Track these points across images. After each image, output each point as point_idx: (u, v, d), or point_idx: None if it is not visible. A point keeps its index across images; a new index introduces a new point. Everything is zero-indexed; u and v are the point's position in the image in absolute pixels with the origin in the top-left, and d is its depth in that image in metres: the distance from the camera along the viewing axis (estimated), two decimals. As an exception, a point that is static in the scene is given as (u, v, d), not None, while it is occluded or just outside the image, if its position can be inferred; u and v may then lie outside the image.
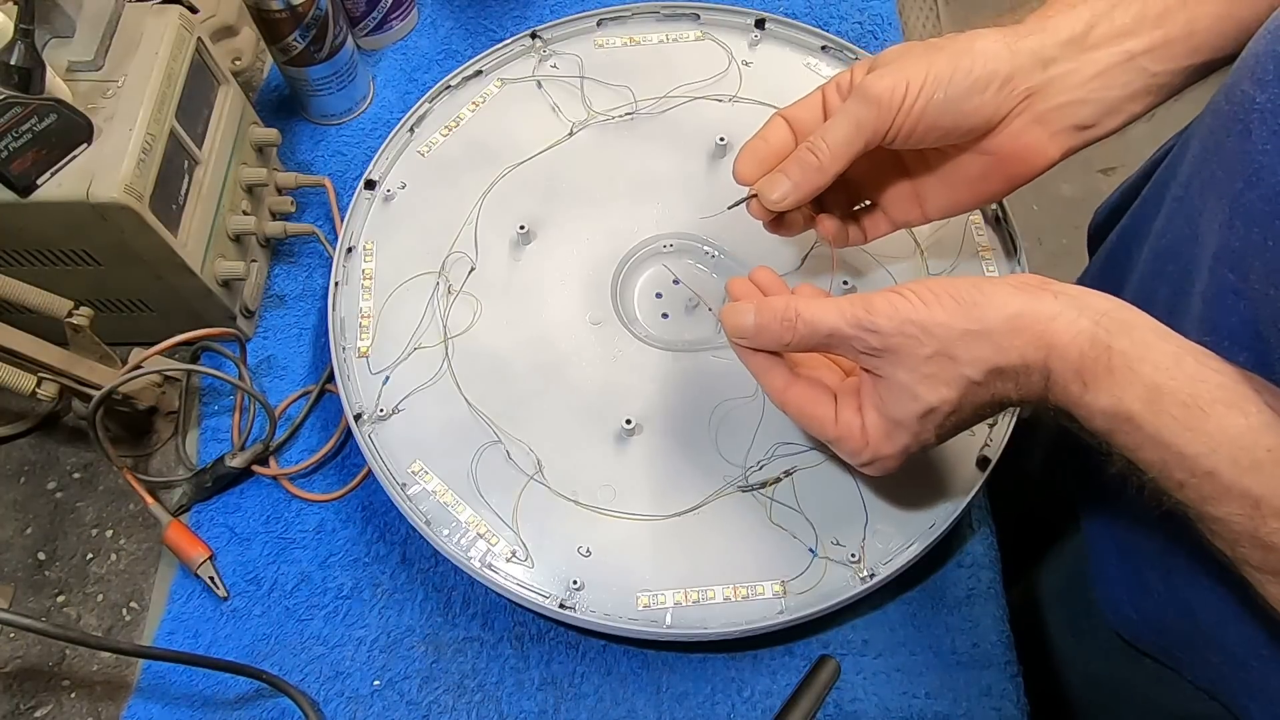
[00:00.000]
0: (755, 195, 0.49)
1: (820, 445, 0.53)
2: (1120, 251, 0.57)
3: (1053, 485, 0.65)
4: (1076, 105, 0.45)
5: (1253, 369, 0.39)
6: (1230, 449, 0.34)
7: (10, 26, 0.46)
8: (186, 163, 0.56)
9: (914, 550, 0.51)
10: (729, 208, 0.52)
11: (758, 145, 0.49)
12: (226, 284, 0.58)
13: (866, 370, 0.43)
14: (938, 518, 0.52)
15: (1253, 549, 0.35)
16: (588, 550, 0.52)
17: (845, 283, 0.58)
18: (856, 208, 0.54)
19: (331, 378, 0.58)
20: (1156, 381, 0.36)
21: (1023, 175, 0.48)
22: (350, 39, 0.67)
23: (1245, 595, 0.37)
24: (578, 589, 0.51)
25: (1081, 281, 0.65)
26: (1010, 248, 0.60)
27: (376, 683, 0.53)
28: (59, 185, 0.49)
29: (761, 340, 0.45)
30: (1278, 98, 0.36)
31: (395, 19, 0.73)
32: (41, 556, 0.57)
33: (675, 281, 0.61)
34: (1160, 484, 0.37)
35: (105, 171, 0.49)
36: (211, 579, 0.55)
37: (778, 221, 0.51)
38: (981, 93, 0.44)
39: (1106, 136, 0.47)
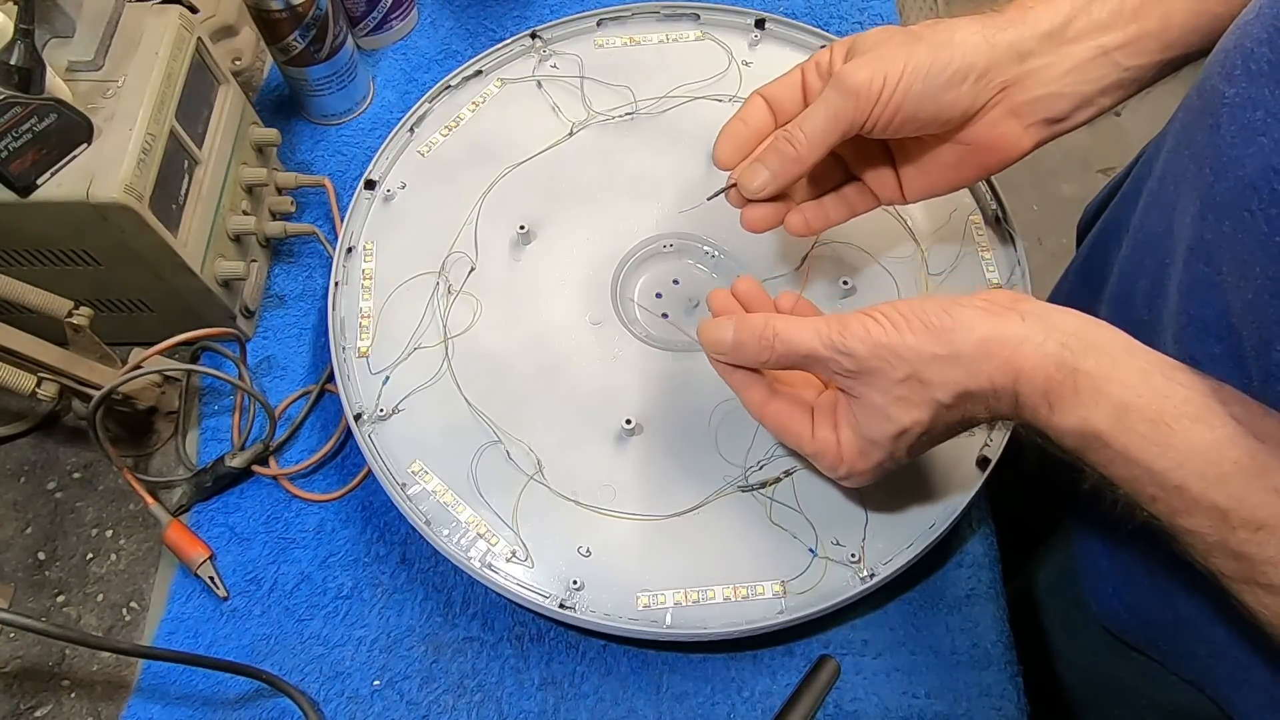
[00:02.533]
0: (734, 185, 0.49)
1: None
2: (1101, 246, 0.57)
3: (1046, 482, 0.65)
4: (1051, 99, 0.46)
5: (1226, 360, 0.39)
6: (1197, 463, 0.35)
7: (10, 26, 0.46)
8: (186, 163, 0.56)
9: (914, 550, 0.51)
10: (708, 198, 0.51)
11: (737, 128, 0.49)
12: (226, 284, 0.58)
13: (841, 390, 0.44)
14: (938, 518, 0.52)
15: (1225, 559, 0.36)
16: (588, 550, 0.52)
17: (845, 282, 0.58)
18: (841, 183, 0.54)
19: (331, 378, 0.58)
20: (1123, 399, 0.36)
21: (996, 164, 0.49)
22: (350, 39, 0.67)
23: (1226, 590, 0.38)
24: (578, 589, 0.51)
25: (1066, 276, 0.65)
26: (1010, 247, 0.60)
27: (376, 683, 0.53)
28: (59, 185, 0.49)
29: (739, 357, 0.46)
30: (1245, 92, 0.37)
31: (395, 19, 0.73)
32: (41, 556, 0.57)
33: (675, 281, 0.61)
34: (1133, 498, 0.38)
35: (105, 171, 0.49)
36: (211, 579, 0.55)
37: (753, 213, 0.50)
38: (959, 85, 0.44)
39: (1076, 128, 0.48)
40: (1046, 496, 0.63)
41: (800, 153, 0.46)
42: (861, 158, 0.51)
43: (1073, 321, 0.39)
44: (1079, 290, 0.61)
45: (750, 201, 0.49)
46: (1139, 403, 0.36)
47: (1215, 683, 0.47)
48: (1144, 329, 0.47)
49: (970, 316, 0.39)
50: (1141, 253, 0.48)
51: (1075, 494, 0.55)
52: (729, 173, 0.49)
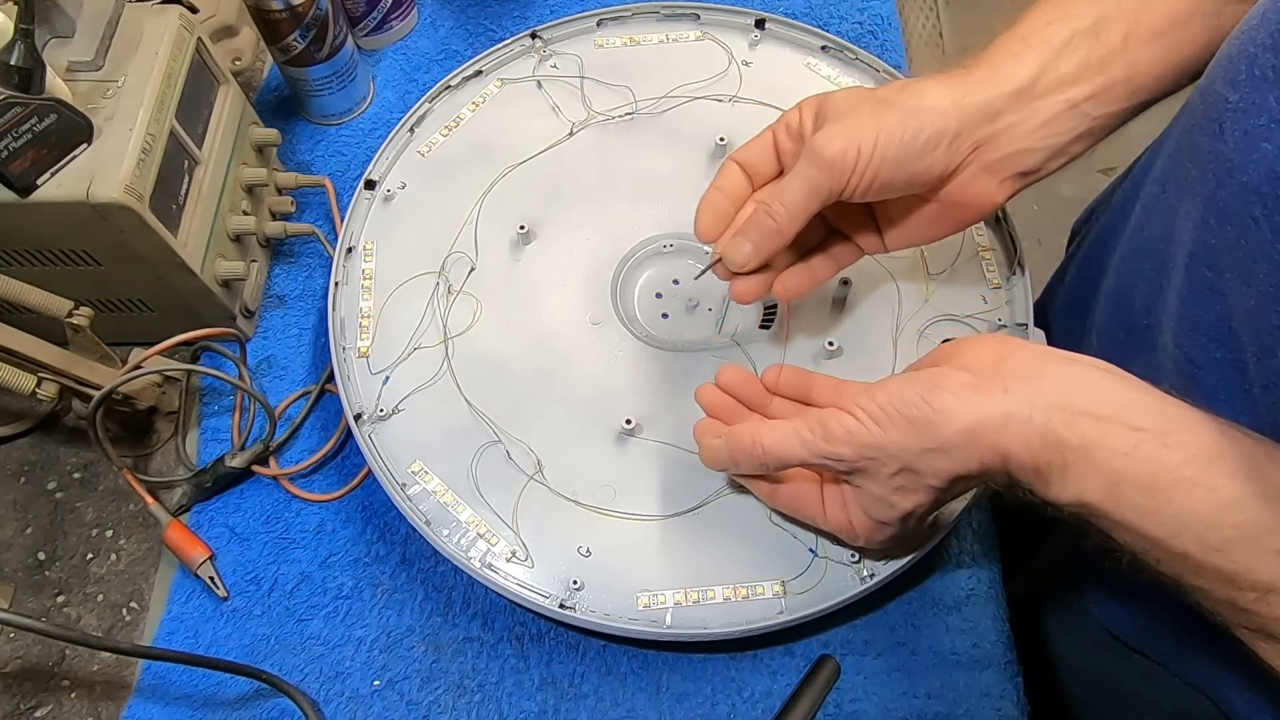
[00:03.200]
0: (720, 259, 0.48)
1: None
2: (1098, 249, 0.57)
3: None
4: (1023, 154, 0.46)
5: (1227, 365, 0.39)
6: (1197, 529, 0.34)
7: (10, 26, 0.46)
8: (186, 163, 0.56)
9: (914, 550, 0.51)
10: (696, 277, 0.53)
11: (714, 198, 0.48)
12: (226, 284, 0.58)
13: (843, 479, 0.45)
14: (938, 517, 0.52)
15: (1234, 614, 0.36)
16: (588, 550, 0.52)
17: (845, 282, 0.58)
18: (824, 239, 0.53)
19: (331, 378, 0.58)
20: (1114, 469, 0.36)
21: (972, 219, 0.49)
22: (350, 39, 0.67)
23: None
24: (578, 589, 0.51)
25: (1061, 278, 0.65)
26: (1010, 248, 0.60)
27: (376, 683, 0.53)
28: (59, 185, 0.49)
29: (741, 469, 0.47)
30: (1249, 97, 0.36)
31: (395, 19, 0.73)
32: (41, 556, 0.57)
33: (675, 281, 0.61)
34: (1138, 560, 0.38)
35: (105, 171, 0.49)
36: (211, 579, 0.55)
37: (740, 286, 0.50)
38: (932, 151, 0.45)
39: (1049, 176, 0.48)
40: None
41: (780, 225, 0.46)
42: (842, 215, 0.51)
43: (1060, 386, 0.38)
44: (1075, 293, 0.61)
45: (735, 275, 0.49)
46: (1130, 471, 0.36)
47: (1217, 685, 0.47)
48: (1142, 333, 0.47)
49: (952, 405, 0.39)
50: (1140, 256, 0.48)
51: None
52: (714, 245, 0.49)
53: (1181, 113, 0.45)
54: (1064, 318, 0.63)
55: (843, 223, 0.52)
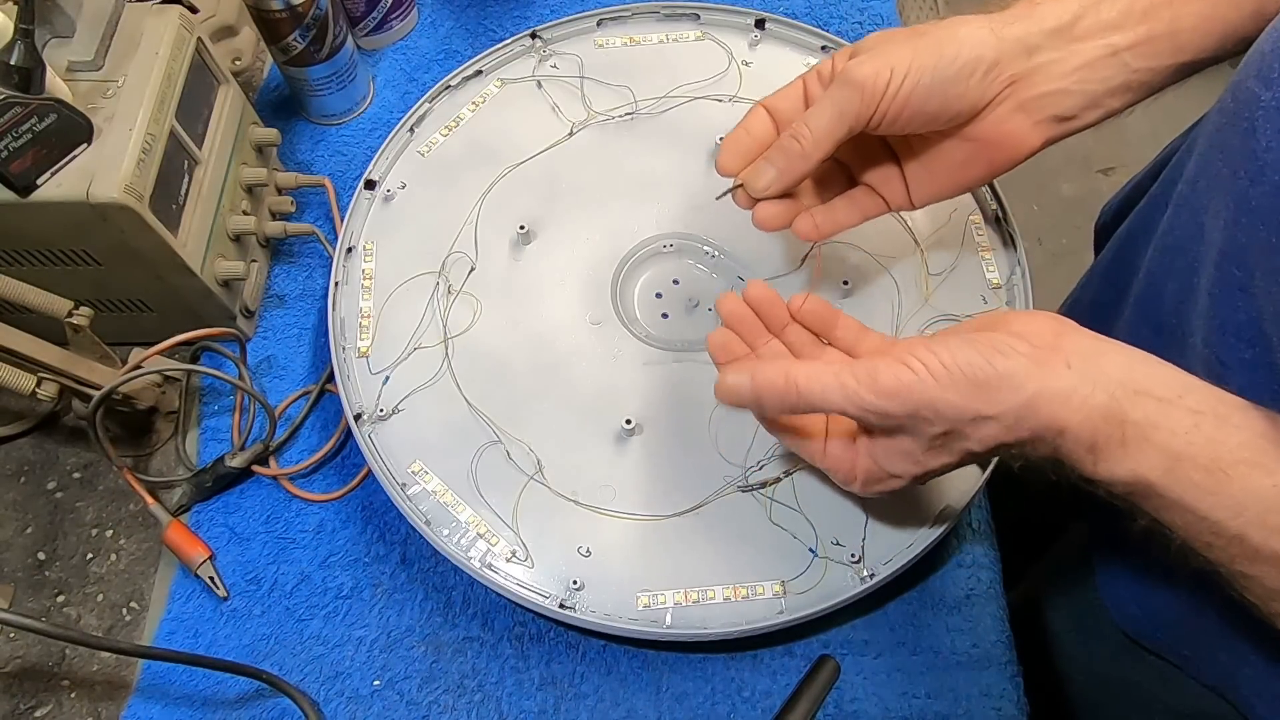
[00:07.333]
0: (741, 185, 0.48)
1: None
2: (1128, 248, 0.57)
3: (1055, 484, 0.64)
4: (1060, 95, 0.45)
5: (1256, 366, 0.39)
6: (1257, 511, 0.34)
7: (10, 26, 0.46)
8: (186, 163, 0.56)
9: (914, 550, 0.51)
10: (717, 198, 0.50)
11: (739, 137, 0.48)
12: (226, 284, 0.58)
13: (868, 429, 0.43)
14: (938, 518, 0.52)
15: None
16: (588, 550, 0.52)
17: (845, 282, 0.58)
18: (849, 191, 0.53)
19: (331, 378, 0.58)
20: (1174, 448, 0.35)
21: (1004, 163, 0.48)
22: (350, 39, 0.67)
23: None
24: (578, 589, 0.51)
25: (1091, 278, 0.65)
26: (1010, 248, 0.60)
27: (376, 683, 0.53)
28: (59, 185, 0.49)
29: (764, 411, 0.44)
30: None
31: (395, 19, 0.73)
32: (41, 556, 0.57)
33: (675, 281, 0.61)
34: (1188, 544, 0.37)
35: (105, 171, 0.49)
36: (211, 579, 0.55)
37: (763, 211, 0.49)
38: (967, 79, 0.44)
39: (1084, 129, 0.47)
40: (1054, 497, 0.63)
41: (806, 148, 0.45)
42: (866, 162, 0.51)
43: (1120, 365, 0.37)
44: (1104, 292, 0.60)
45: (758, 201, 0.48)
46: (1190, 450, 0.35)
47: (1236, 688, 0.46)
48: (1172, 332, 0.46)
49: (1017, 371, 0.37)
50: (1170, 255, 0.47)
51: (1089, 497, 0.55)
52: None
53: (1213, 111, 0.44)
54: (1088, 320, 0.63)
55: (866, 171, 0.51)
